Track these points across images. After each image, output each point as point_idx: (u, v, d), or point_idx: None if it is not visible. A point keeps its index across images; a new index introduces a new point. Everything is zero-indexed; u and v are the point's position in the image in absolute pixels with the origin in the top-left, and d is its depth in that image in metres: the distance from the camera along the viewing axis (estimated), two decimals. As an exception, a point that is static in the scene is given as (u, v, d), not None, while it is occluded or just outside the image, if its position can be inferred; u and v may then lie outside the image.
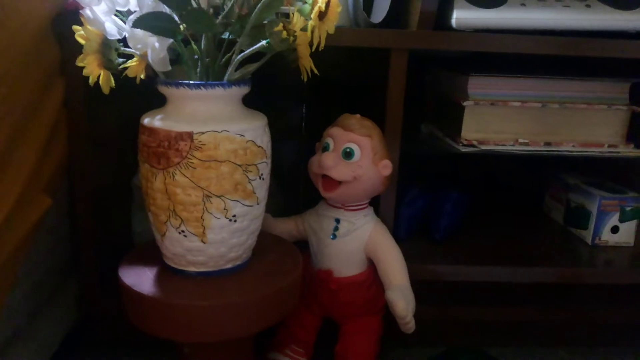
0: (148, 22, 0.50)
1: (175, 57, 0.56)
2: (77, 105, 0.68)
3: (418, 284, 0.68)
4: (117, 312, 0.62)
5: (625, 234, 0.83)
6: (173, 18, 0.51)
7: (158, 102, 0.58)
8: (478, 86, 0.78)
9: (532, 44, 0.70)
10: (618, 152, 0.80)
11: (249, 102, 0.59)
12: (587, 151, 0.79)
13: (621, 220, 0.83)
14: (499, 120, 0.78)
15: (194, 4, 0.53)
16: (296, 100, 1.00)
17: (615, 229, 0.83)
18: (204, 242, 0.55)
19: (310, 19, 0.52)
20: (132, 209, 0.82)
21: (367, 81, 0.86)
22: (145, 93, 0.59)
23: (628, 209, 0.82)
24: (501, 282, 0.78)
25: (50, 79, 0.64)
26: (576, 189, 0.88)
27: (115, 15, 0.53)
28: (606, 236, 0.83)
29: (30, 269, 0.62)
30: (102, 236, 0.75)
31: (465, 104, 0.77)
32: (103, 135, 0.75)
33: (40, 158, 0.59)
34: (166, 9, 0.52)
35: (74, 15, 0.57)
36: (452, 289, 0.84)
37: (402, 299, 0.63)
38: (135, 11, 0.53)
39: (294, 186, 0.96)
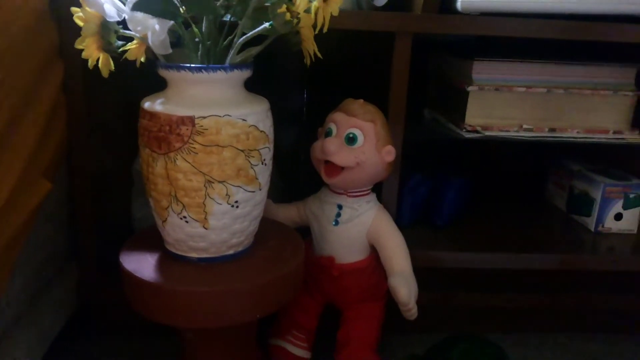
0: (148, 4, 0.49)
1: (175, 40, 0.55)
2: (76, 89, 0.67)
3: (420, 271, 0.68)
4: (117, 299, 0.62)
5: (629, 221, 0.83)
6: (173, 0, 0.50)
7: (159, 86, 0.56)
8: (482, 71, 0.77)
9: (539, 27, 0.69)
10: (623, 139, 0.79)
11: (250, 87, 0.58)
12: (592, 137, 0.79)
13: (625, 207, 0.82)
14: (503, 106, 0.77)
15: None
16: (298, 85, 0.99)
17: (618, 216, 0.83)
18: (206, 228, 0.55)
19: (314, 0, 0.50)
20: (132, 195, 0.81)
21: (370, 66, 0.85)
22: (147, 77, 0.58)
23: (632, 196, 0.82)
24: (503, 269, 0.78)
25: (49, 62, 0.63)
26: (580, 175, 0.87)
27: (115, -4, 0.52)
28: (609, 223, 0.83)
29: (29, 255, 0.62)
30: (102, 222, 0.74)
31: (469, 89, 0.76)
32: (103, 119, 0.74)
33: (39, 142, 0.58)
34: (166, -10, 0.51)
35: (73, -4, 0.56)
36: (454, 276, 0.83)
37: (404, 285, 0.62)
38: (135, -8, 0.51)
39: (295, 172, 0.95)
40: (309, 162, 0.70)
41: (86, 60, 0.53)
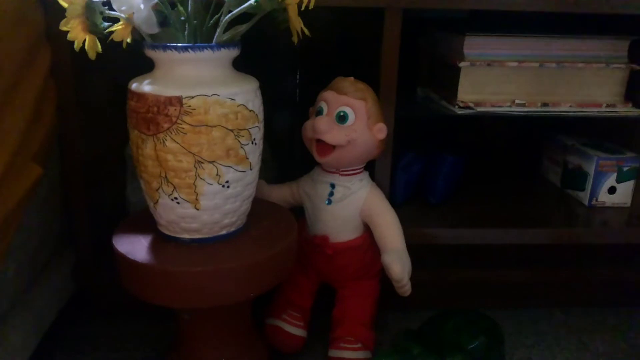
0: (132, -18, 0.48)
1: (162, 20, 0.54)
2: (65, 73, 0.67)
3: (414, 248, 0.68)
4: (113, 283, 0.62)
5: (622, 195, 0.83)
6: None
7: (151, 68, 0.56)
8: (474, 46, 0.76)
9: (531, 0, 0.68)
10: (616, 112, 0.79)
11: (242, 69, 0.58)
12: (585, 111, 0.78)
13: (618, 181, 0.82)
14: (495, 81, 0.77)
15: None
16: (290, 66, 0.99)
17: (612, 190, 0.83)
18: (197, 209, 0.55)
19: (300, -24, 0.50)
20: (126, 179, 0.81)
21: (362, 44, 0.84)
22: (138, 59, 0.58)
23: (625, 169, 0.82)
24: (497, 245, 0.78)
25: (36, 46, 0.62)
26: (573, 150, 0.87)
27: (98, -24, 0.52)
28: (603, 197, 0.83)
29: (23, 240, 0.62)
30: (96, 206, 0.75)
31: (461, 65, 0.75)
32: (94, 103, 0.74)
33: (27, 127, 0.58)
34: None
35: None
36: (449, 252, 0.84)
37: (398, 262, 0.63)
38: (118, -29, 0.51)
39: (289, 153, 0.95)
40: (303, 143, 0.70)
41: (74, 44, 0.52)
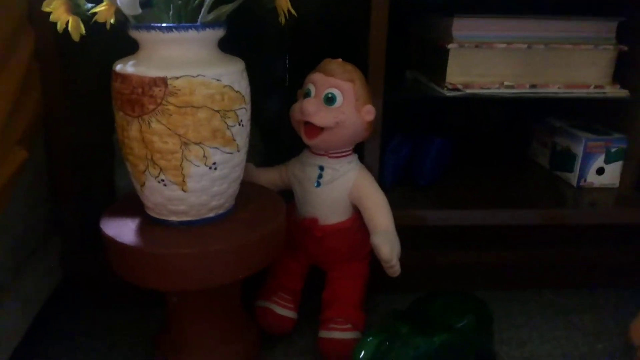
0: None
1: (145, 0, 0.53)
2: (50, 56, 0.66)
3: (403, 230, 0.68)
4: (102, 269, 0.62)
5: (611, 175, 0.83)
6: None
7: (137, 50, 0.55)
8: (463, 28, 0.76)
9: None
10: (604, 93, 0.79)
11: (230, 52, 0.57)
12: (573, 92, 0.78)
13: (607, 162, 0.82)
14: (484, 63, 0.77)
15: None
16: (279, 50, 0.98)
17: (600, 171, 0.83)
18: (185, 191, 0.54)
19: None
20: (114, 164, 0.81)
21: (351, 26, 0.83)
22: (127, 41, 0.57)
23: (613, 150, 0.82)
24: (486, 226, 0.79)
25: (19, 28, 0.61)
26: (562, 131, 0.87)
27: (80, -45, 0.51)
28: (592, 178, 0.83)
29: (9, 225, 0.61)
30: (84, 192, 0.74)
31: (449, 46, 0.75)
32: (80, 87, 0.73)
33: (12, 110, 0.57)
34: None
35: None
36: (438, 234, 0.84)
37: (387, 243, 0.63)
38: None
39: (278, 137, 0.95)
40: (292, 127, 0.70)
41: (57, 25, 0.52)
